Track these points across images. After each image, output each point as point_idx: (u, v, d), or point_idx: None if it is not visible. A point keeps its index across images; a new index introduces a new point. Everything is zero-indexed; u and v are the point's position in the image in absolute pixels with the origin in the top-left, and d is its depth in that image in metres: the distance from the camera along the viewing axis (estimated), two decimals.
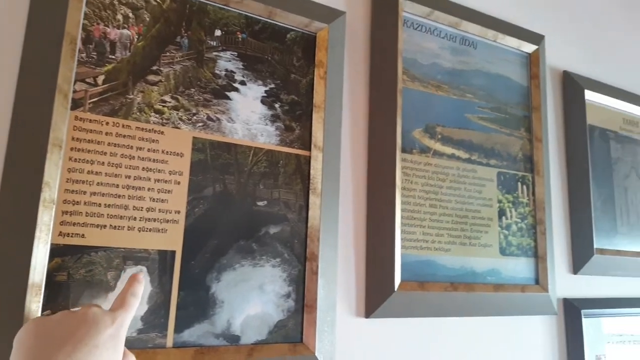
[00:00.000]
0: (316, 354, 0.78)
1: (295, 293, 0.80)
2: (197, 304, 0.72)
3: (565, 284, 1.15)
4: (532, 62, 1.17)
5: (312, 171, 0.84)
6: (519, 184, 1.10)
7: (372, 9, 0.99)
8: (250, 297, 0.76)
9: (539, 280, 1.07)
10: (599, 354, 1.14)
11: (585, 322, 1.11)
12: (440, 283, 0.94)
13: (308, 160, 0.85)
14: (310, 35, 0.89)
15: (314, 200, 0.83)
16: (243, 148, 0.79)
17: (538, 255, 1.08)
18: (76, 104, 0.68)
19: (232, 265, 0.75)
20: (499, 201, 1.06)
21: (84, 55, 0.70)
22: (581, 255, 1.17)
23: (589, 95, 1.27)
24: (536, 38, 1.19)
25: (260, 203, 0.80)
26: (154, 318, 0.68)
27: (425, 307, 0.91)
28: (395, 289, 0.87)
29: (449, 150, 1.02)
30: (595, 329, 1.14)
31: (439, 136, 1.01)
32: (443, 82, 1.04)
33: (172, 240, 0.71)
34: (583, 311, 1.12)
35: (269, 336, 0.77)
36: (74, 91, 0.68)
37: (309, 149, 0.85)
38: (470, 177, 1.03)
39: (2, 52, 0.66)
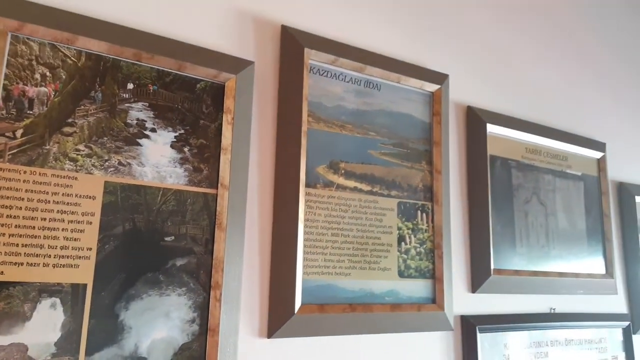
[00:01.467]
0: None
1: (200, 318, 0.95)
2: (107, 330, 0.86)
3: (464, 302, 1.34)
4: (435, 100, 1.36)
5: (218, 208, 1.00)
6: (419, 212, 1.29)
7: (280, 57, 1.15)
8: (156, 324, 0.91)
9: (436, 300, 1.25)
10: None
11: (480, 337, 1.30)
12: (339, 305, 1.11)
13: (215, 197, 1.00)
14: (219, 84, 1.05)
15: (219, 234, 0.99)
16: (152, 189, 0.94)
17: (436, 277, 1.27)
18: None
19: (140, 295, 0.90)
20: (399, 228, 1.24)
21: (3, 112, 0.83)
22: (479, 276, 1.36)
23: (492, 128, 1.47)
24: (439, 77, 1.38)
25: (167, 238, 0.95)
26: (67, 343, 0.82)
27: (325, 327, 1.08)
28: (295, 312, 1.04)
29: (351, 183, 1.19)
30: (491, 343, 1.33)
31: (342, 171, 1.18)
32: (347, 122, 1.21)
33: (84, 274, 0.85)
34: (478, 327, 1.30)
35: (173, 357, 0.91)
36: None
37: (216, 188, 1.01)
38: (371, 207, 1.21)
39: None
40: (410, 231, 1.26)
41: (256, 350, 1.01)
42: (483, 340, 1.31)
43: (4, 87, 0.84)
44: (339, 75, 1.22)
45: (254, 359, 1.01)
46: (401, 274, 1.22)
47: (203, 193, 0.99)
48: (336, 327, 1.09)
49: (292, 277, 1.05)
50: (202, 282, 0.96)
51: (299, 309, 1.05)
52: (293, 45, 1.14)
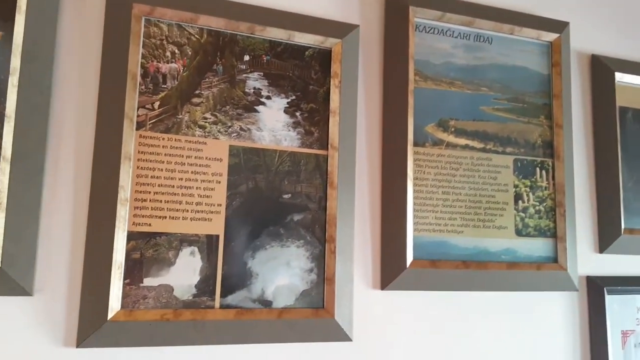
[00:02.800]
0: (336, 318, 1.05)
1: (317, 268, 1.08)
2: (237, 275, 1.02)
3: (590, 263, 1.33)
4: (554, 50, 1.35)
5: (329, 168, 1.11)
6: (538, 169, 1.30)
7: (385, 18, 1.22)
8: (279, 271, 1.05)
9: (558, 259, 1.27)
10: (625, 329, 1.31)
11: (608, 298, 1.29)
12: (452, 261, 1.18)
13: (326, 158, 1.12)
14: (326, 50, 1.15)
15: (331, 192, 1.10)
16: (270, 151, 1.08)
17: (557, 236, 1.28)
18: (139, 125, 1.00)
19: (264, 245, 1.05)
20: (516, 186, 1.27)
21: (143, 87, 1.02)
22: (607, 235, 1.34)
23: (620, 77, 1.41)
24: (558, 26, 1.35)
25: (285, 196, 1.08)
26: (205, 286, 0.99)
27: (437, 282, 1.16)
28: (407, 266, 1.13)
29: (462, 141, 1.24)
30: (621, 306, 1.31)
31: (452, 129, 1.23)
32: (456, 78, 1.26)
33: (216, 226, 1.02)
34: (606, 288, 1.29)
35: (295, 302, 1.05)
36: (138, 115, 1.00)
37: (327, 149, 1.12)
38: (485, 165, 1.25)
39: (83, 90, 0.99)
40: (528, 189, 1.28)
41: (370, 300, 1.12)
42: (612, 302, 1.30)
43: (142, 65, 1.02)
44: (446, 31, 1.26)
45: (368, 308, 1.12)
46: (519, 233, 1.25)
47: (315, 154, 1.11)
48: (449, 283, 1.16)
49: (402, 233, 1.13)
50: (317, 236, 1.09)
51: (411, 263, 1.13)
52: (397, 4, 1.21)
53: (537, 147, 1.31)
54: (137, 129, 1.00)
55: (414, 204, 1.17)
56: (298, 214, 1.08)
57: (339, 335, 1.05)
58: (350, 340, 1.06)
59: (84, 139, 0.98)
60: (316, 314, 1.05)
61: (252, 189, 1.06)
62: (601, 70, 1.41)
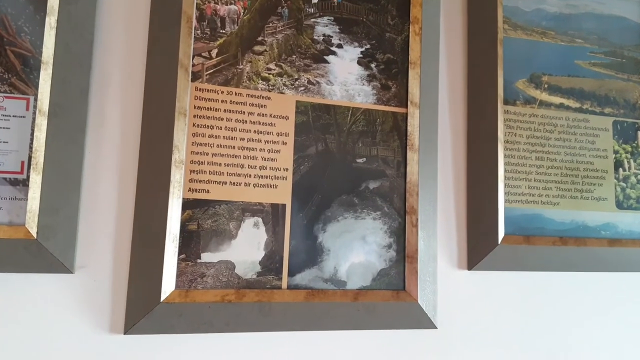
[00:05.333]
0: (419, 302, 0.85)
1: (397, 244, 0.87)
2: (307, 251, 0.82)
3: None
4: None
5: (409, 128, 0.90)
6: (639, 133, 1.06)
7: None
8: (353, 247, 0.85)
9: None
10: None
11: None
12: (548, 237, 0.96)
13: (405, 117, 0.90)
14: None
15: (411, 156, 0.89)
16: (342, 109, 0.87)
17: None
18: (195, 76, 0.80)
19: (336, 217, 0.85)
20: (615, 152, 1.03)
21: (199, 31, 0.82)
22: None
23: None
24: None
25: (359, 160, 0.87)
26: (270, 263, 0.80)
27: (532, 261, 0.94)
28: (499, 242, 0.91)
29: (556, 99, 1.01)
30: None
31: (546, 85, 1.00)
32: (549, 28, 1.02)
33: (282, 194, 0.82)
34: None
35: (372, 283, 0.85)
36: (193, 65, 0.80)
37: (406, 106, 0.91)
38: (581, 127, 1.02)
39: (130, 35, 0.80)
40: (629, 155, 1.04)
41: (457, 282, 0.91)
42: None
43: (197, 7, 0.82)
44: None
45: (454, 291, 0.91)
46: (619, 205, 1.02)
47: (392, 112, 0.90)
48: (546, 262, 0.95)
49: (493, 204, 0.92)
50: (396, 207, 0.88)
51: (502, 239, 0.92)
52: None
53: (638, 108, 1.07)
54: (193, 80, 0.80)
55: (505, 171, 0.95)
56: (374, 181, 0.88)
57: (423, 321, 0.85)
58: (435, 327, 0.86)
59: (132, 91, 0.79)
60: (397, 297, 0.85)
61: (322, 152, 0.85)
62: None
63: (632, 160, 1.04)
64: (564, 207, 0.98)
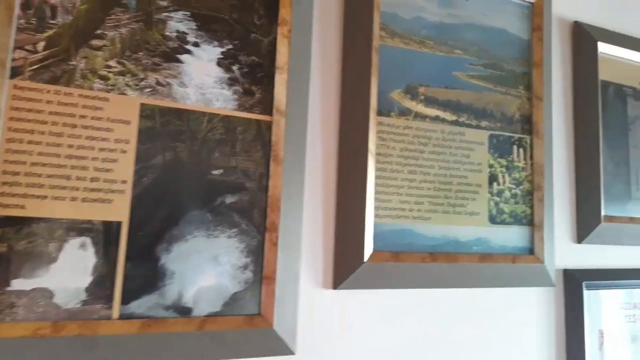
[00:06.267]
0: (274, 327, 0.77)
1: (254, 265, 0.79)
2: (146, 275, 0.71)
3: (567, 254, 1.09)
4: (535, 13, 1.09)
5: (273, 137, 0.82)
6: (515, 146, 1.04)
7: None
8: (203, 269, 0.75)
9: (534, 250, 1.02)
10: (603, 328, 1.09)
11: (587, 294, 1.06)
12: (417, 253, 0.91)
13: (270, 125, 0.82)
14: None
15: (275, 168, 0.81)
16: (196, 114, 0.77)
17: (534, 224, 1.03)
18: (15, 72, 0.68)
19: (184, 236, 0.75)
20: (490, 165, 1.01)
21: (22, 21, 0.69)
22: (586, 223, 1.11)
23: (603, 48, 1.17)
24: None
25: (215, 172, 0.78)
26: (99, 289, 0.69)
27: (400, 279, 0.89)
28: (365, 260, 0.85)
29: (432, 111, 0.96)
30: (599, 302, 1.09)
31: (422, 97, 0.96)
32: (428, 37, 0.97)
33: (118, 210, 0.71)
34: (585, 282, 1.06)
35: (224, 308, 0.76)
36: (13, 59, 0.68)
37: (271, 114, 0.82)
38: (457, 140, 0.98)
39: None
40: (504, 169, 1.02)
41: (320, 302, 0.84)
42: (590, 298, 1.07)
43: None
44: None
45: (317, 312, 0.84)
46: (492, 220, 1.00)
47: (256, 120, 0.81)
48: (414, 279, 0.90)
49: (361, 219, 0.86)
50: (255, 223, 0.80)
51: (370, 256, 0.86)
52: None
53: (515, 122, 1.05)
54: (12, 77, 0.67)
55: (376, 184, 0.89)
56: (232, 195, 0.79)
57: (278, 348, 0.77)
58: (292, 353, 0.78)
59: None
60: (250, 323, 0.77)
61: (171, 162, 0.75)
62: (583, 39, 1.17)
63: (506, 175, 1.02)
64: (436, 222, 0.94)
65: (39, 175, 0.67)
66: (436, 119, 0.96)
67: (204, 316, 0.74)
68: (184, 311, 0.73)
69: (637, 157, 1.21)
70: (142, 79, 0.74)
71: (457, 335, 0.95)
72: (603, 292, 1.09)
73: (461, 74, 1.00)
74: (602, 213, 1.11)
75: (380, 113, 0.91)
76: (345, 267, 0.85)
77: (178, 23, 0.78)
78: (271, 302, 0.78)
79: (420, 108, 0.95)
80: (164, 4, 0.77)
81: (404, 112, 0.93)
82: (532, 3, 1.09)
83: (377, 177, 0.89)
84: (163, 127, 0.75)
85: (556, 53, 1.14)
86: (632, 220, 1.16)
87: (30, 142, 0.67)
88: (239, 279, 0.78)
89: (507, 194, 1.02)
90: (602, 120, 1.15)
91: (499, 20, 1.05)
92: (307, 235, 0.84)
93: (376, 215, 0.89)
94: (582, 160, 1.13)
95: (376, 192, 0.89)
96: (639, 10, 1.28)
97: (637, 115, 1.23)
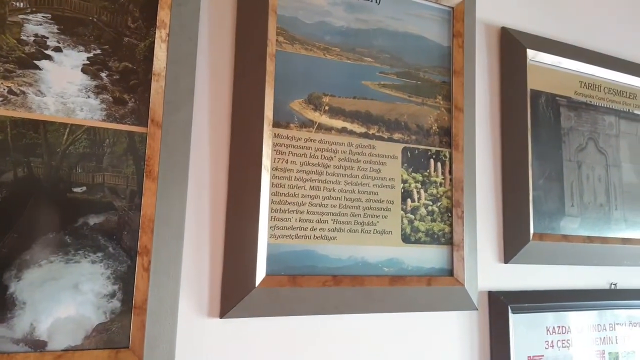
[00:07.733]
0: None
1: (123, 293, 0.73)
2: None
3: (493, 275, 1.05)
4: (456, 18, 1.06)
5: (148, 151, 0.76)
6: (432, 160, 1.00)
7: None
8: (60, 298, 0.69)
9: (454, 271, 0.98)
10: (533, 354, 1.04)
11: (513, 318, 1.02)
12: (319, 276, 0.86)
13: (144, 138, 0.77)
14: None
15: (149, 185, 0.76)
16: (55, 125, 0.72)
17: (453, 243, 0.99)
18: None
19: (38, 261, 0.69)
20: (404, 181, 0.97)
21: None
22: (513, 242, 1.07)
23: (534, 55, 1.15)
24: None
25: (76, 189, 0.72)
26: None
27: (298, 305, 0.84)
28: (257, 285, 0.80)
29: (338, 123, 0.92)
30: (528, 327, 1.05)
31: (326, 107, 0.91)
32: (333, 44, 0.94)
33: None
34: (511, 306, 1.02)
35: (85, 341, 0.70)
36: None
37: (146, 125, 0.77)
38: (366, 154, 0.94)
39: None
40: (419, 185, 0.98)
41: (204, 333, 0.79)
42: (517, 322, 1.03)
43: None
44: None
45: (201, 345, 0.78)
46: (406, 239, 0.95)
47: (127, 132, 0.76)
48: (314, 305, 0.85)
49: (252, 240, 0.81)
50: (125, 246, 0.74)
51: (262, 280, 0.81)
52: None
53: (432, 134, 1.01)
54: None
55: (272, 202, 0.84)
56: (96, 215, 0.73)
57: None
58: None
59: None
60: (116, 358, 0.70)
61: (23, 179, 0.70)
62: (511, 46, 1.14)
63: (422, 191, 0.98)
64: (341, 242, 0.89)
65: None
66: (343, 130, 0.92)
67: (62, 350, 0.68)
68: (38, 345, 0.67)
69: (572, 171, 1.18)
70: None
71: None
72: (531, 316, 1.05)
73: (371, 83, 0.96)
74: (531, 231, 1.07)
75: (277, 124, 0.86)
76: (234, 294, 0.80)
77: (37, 26, 0.73)
78: (142, 334, 0.72)
79: (324, 119, 0.91)
80: (21, 5, 0.72)
81: (306, 124, 0.89)
82: (452, 8, 1.06)
83: (273, 194, 0.84)
84: (15, 140, 0.69)
85: (482, 61, 1.11)
86: (565, 238, 1.13)
87: None
88: (105, 308, 0.72)
89: (422, 211, 0.98)
90: (531, 132, 1.12)
91: (415, 26, 1.02)
92: (190, 258, 0.79)
93: (271, 236, 0.83)
94: (509, 174, 1.09)
95: (272, 210, 0.84)
96: (572, 15, 1.26)
97: (571, 127, 1.20)
